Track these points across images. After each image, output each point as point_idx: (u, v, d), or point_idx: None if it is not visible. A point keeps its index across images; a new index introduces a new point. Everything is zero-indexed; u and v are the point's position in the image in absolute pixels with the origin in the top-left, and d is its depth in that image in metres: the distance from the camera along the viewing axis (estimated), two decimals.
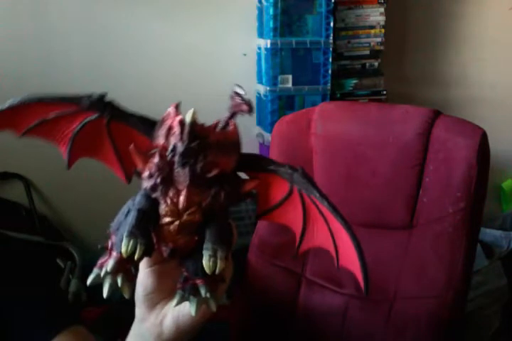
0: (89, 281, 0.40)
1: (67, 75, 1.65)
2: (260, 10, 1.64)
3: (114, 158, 0.44)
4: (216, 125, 0.39)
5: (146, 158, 0.39)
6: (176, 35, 1.70)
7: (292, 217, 0.44)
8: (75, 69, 1.66)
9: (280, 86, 1.58)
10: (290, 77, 1.59)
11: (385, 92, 1.71)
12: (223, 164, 0.38)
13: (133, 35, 1.68)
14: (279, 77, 1.58)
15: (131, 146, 0.39)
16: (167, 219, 0.39)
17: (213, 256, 0.38)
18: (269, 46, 1.54)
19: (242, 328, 1.16)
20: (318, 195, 0.40)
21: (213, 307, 0.41)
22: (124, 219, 0.40)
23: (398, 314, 1.02)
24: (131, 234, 0.38)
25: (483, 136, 0.98)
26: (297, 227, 0.44)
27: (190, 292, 0.41)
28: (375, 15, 1.67)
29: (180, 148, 0.37)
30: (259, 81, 1.69)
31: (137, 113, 0.42)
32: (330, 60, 1.59)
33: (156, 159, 0.38)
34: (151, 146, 0.39)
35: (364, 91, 1.71)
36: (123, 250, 0.37)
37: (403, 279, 1.04)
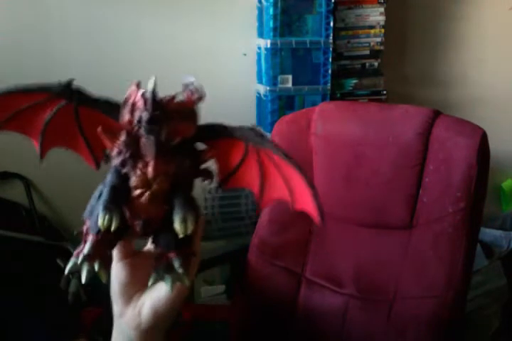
0: (67, 270, 0.44)
1: (66, 73, 1.64)
2: (260, 10, 1.64)
3: (83, 144, 0.46)
4: (174, 97, 0.41)
5: (114, 137, 0.42)
6: (175, 35, 1.70)
7: (250, 177, 0.47)
8: (74, 68, 1.65)
9: (280, 86, 1.58)
10: (290, 77, 1.59)
11: (385, 92, 1.71)
12: (184, 131, 0.41)
13: (132, 34, 1.67)
14: (279, 77, 1.58)
15: (99, 128, 0.42)
16: (138, 191, 0.42)
17: (183, 219, 0.41)
18: (269, 46, 1.54)
19: (242, 328, 1.16)
20: (272, 146, 0.44)
21: (187, 282, 0.44)
22: (97, 202, 0.42)
23: (398, 314, 1.02)
24: (107, 208, 0.40)
25: (483, 136, 0.98)
26: (255, 186, 0.47)
27: (164, 270, 0.43)
28: (375, 15, 1.67)
29: (145, 117, 0.39)
30: (259, 81, 1.69)
31: (103, 97, 0.44)
32: (330, 59, 1.59)
33: (123, 136, 0.41)
34: (118, 127, 0.42)
35: (364, 91, 1.71)
36: (99, 222, 0.40)
37: (403, 279, 1.04)
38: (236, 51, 1.75)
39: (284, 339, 1.13)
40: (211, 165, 0.46)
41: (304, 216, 1.24)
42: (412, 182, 1.04)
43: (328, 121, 1.14)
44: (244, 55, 1.75)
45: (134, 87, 0.41)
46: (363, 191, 1.10)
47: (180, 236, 0.41)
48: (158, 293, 0.45)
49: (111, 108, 0.43)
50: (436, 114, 1.04)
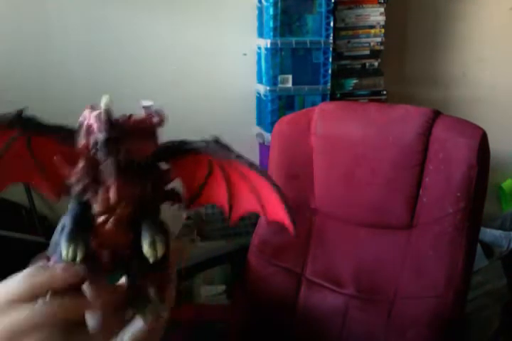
0: None
1: (66, 74, 1.65)
2: (260, 10, 1.64)
3: (41, 177, 0.44)
4: (130, 116, 0.39)
5: (72, 165, 0.39)
6: (175, 35, 1.70)
7: (217, 193, 0.46)
8: (74, 68, 1.66)
9: (280, 86, 1.58)
10: (290, 76, 1.59)
11: (385, 92, 1.71)
12: (144, 150, 0.39)
13: (133, 35, 1.68)
14: (279, 77, 1.58)
15: (55, 157, 0.40)
16: (102, 218, 0.40)
17: (151, 242, 0.39)
18: (269, 46, 1.54)
19: (242, 328, 1.16)
20: (235, 156, 0.42)
21: (164, 313, 0.42)
22: (60, 235, 0.40)
23: (398, 314, 1.02)
24: (70, 239, 0.38)
25: (483, 136, 0.98)
26: (224, 201, 0.46)
27: (139, 302, 0.41)
28: (375, 15, 1.67)
29: (101, 138, 0.37)
30: (259, 81, 1.69)
31: (56, 124, 0.41)
32: (330, 59, 1.59)
33: (81, 162, 0.39)
34: (75, 154, 0.40)
35: (364, 91, 1.71)
36: (63, 254, 0.38)
37: (403, 279, 1.04)
38: (236, 51, 1.75)
39: (284, 339, 1.13)
40: (176, 185, 0.44)
41: (303, 216, 1.23)
42: (412, 182, 1.04)
43: (328, 121, 1.14)
44: (245, 55, 1.75)
45: (87, 111, 0.39)
46: (363, 191, 1.09)
47: (151, 260, 0.39)
48: (136, 326, 0.42)
49: (66, 135, 0.40)
50: (436, 114, 1.04)
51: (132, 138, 0.38)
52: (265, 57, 1.58)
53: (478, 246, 1.59)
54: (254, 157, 1.81)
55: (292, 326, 1.12)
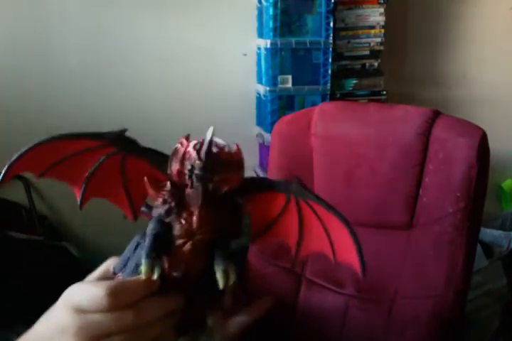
0: None
1: (66, 75, 1.65)
2: (260, 10, 1.64)
3: (123, 195, 0.46)
4: (223, 147, 0.41)
5: (159, 187, 0.42)
6: (175, 35, 1.70)
7: (287, 230, 0.47)
8: (74, 69, 1.66)
9: (280, 86, 1.59)
10: (290, 77, 1.59)
11: (384, 92, 1.71)
12: (232, 182, 0.41)
13: (132, 35, 1.68)
14: (279, 77, 1.58)
15: (145, 178, 0.42)
16: (181, 241, 0.41)
17: (225, 270, 0.42)
18: (268, 46, 1.54)
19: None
20: (314, 197, 0.44)
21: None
22: (133, 253, 0.42)
23: (398, 314, 1.02)
24: (150, 256, 0.40)
25: (483, 136, 0.98)
26: (293, 238, 0.47)
27: (197, 330, 0.44)
28: (375, 16, 1.67)
29: (198, 165, 0.39)
30: (259, 81, 1.69)
31: (152, 148, 0.44)
32: (330, 60, 1.59)
33: (168, 185, 0.42)
34: (163, 178, 0.42)
35: (364, 92, 1.71)
36: (143, 270, 0.39)
37: (403, 279, 1.04)
38: (236, 51, 1.75)
39: (284, 339, 1.13)
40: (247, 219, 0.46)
41: None
42: (412, 182, 1.04)
43: (328, 122, 1.14)
44: (244, 55, 1.75)
45: (183, 140, 0.41)
46: (363, 191, 1.09)
47: (221, 286, 0.41)
48: None
49: (158, 159, 0.43)
50: (436, 114, 1.04)
51: (224, 169, 0.40)
52: (265, 57, 1.58)
53: (478, 246, 1.59)
54: (254, 157, 1.81)
55: (292, 326, 1.12)
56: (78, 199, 0.45)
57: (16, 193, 1.65)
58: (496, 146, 1.06)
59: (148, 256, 0.40)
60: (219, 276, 0.41)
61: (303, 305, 1.12)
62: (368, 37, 1.69)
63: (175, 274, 0.42)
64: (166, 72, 1.72)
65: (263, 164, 1.73)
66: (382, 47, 1.71)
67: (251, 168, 1.82)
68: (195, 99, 1.73)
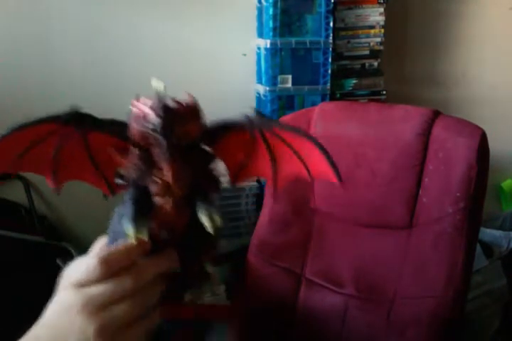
0: None
1: (66, 75, 1.65)
2: (260, 10, 1.64)
3: (95, 173, 0.46)
4: (177, 99, 0.41)
5: (126, 154, 0.42)
6: (175, 35, 1.70)
7: (261, 165, 0.47)
8: (74, 69, 1.66)
9: (280, 86, 1.58)
10: (290, 77, 1.58)
11: (384, 92, 1.71)
12: (193, 132, 0.41)
13: (132, 35, 1.67)
14: (279, 77, 1.58)
15: (109, 148, 0.42)
16: (161, 199, 0.42)
17: (209, 214, 0.42)
18: (268, 46, 1.54)
19: (242, 328, 1.16)
20: (275, 122, 0.45)
21: (222, 291, 0.44)
22: (119, 225, 0.42)
23: (398, 314, 1.02)
24: (134, 220, 0.41)
25: (483, 136, 0.98)
26: (267, 172, 0.48)
27: (201, 280, 0.45)
28: (375, 15, 1.67)
29: (157, 122, 0.39)
30: (259, 81, 1.69)
31: (109, 119, 0.43)
32: (329, 59, 1.59)
33: (135, 150, 0.42)
34: (127, 145, 0.42)
35: (364, 91, 1.71)
36: (130, 233, 0.40)
37: (403, 279, 1.04)
38: (236, 51, 1.75)
39: (284, 339, 1.13)
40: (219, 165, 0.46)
41: (303, 216, 1.24)
42: (412, 182, 1.04)
43: (327, 121, 1.14)
44: (244, 55, 1.75)
45: (135, 101, 0.41)
46: (363, 191, 1.10)
47: (212, 231, 0.42)
48: None
49: (118, 128, 0.43)
50: (436, 114, 1.04)
51: (183, 120, 0.40)
52: (265, 57, 1.58)
53: (478, 246, 1.59)
54: None
55: (292, 326, 1.12)
56: (52, 185, 0.45)
57: (16, 193, 1.65)
58: (496, 146, 1.06)
59: (132, 220, 0.40)
60: (205, 221, 0.42)
61: (303, 305, 1.12)
62: (368, 37, 1.69)
63: (163, 234, 0.43)
64: (166, 72, 1.71)
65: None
66: (382, 47, 1.70)
67: None
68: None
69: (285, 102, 1.61)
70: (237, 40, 1.74)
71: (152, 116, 0.39)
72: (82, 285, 0.40)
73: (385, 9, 1.67)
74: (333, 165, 0.44)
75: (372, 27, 1.68)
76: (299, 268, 1.14)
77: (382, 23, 1.68)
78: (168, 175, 0.41)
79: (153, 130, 0.39)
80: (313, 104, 1.44)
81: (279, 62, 1.56)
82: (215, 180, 0.46)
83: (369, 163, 1.08)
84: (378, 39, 1.69)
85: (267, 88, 1.58)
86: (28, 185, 1.67)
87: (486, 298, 1.59)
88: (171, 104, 0.40)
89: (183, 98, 0.41)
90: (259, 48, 1.66)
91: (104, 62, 1.68)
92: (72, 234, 1.77)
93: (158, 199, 0.42)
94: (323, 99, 1.61)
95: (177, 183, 0.41)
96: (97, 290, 0.39)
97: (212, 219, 0.42)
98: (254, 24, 1.69)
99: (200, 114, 0.42)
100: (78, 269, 0.40)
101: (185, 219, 0.43)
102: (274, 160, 0.47)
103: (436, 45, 1.95)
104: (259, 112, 0.45)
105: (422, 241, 1.03)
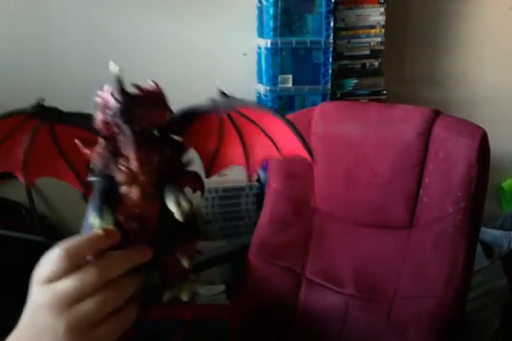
0: None
1: (66, 75, 1.65)
2: (260, 10, 1.64)
3: (66, 168, 0.45)
4: (139, 85, 0.41)
5: (93, 145, 0.41)
6: (175, 35, 1.70)
7: (233, 150, 0.46)
8: (74, 69, 1.66)
9: (280, 86, 1.58)
10: (290, 76, 1.59)
11: (385, 92, 1.71)
12: (157, 118, 0.40)
13: (132, 35, 1.68)
14: (279, 77, 1.58)
15: (76, 140, 0.41)
16: (127, 188, 0.41)
17: (176, 201, 0.40)
18: (269, 46, 1.54)
19: (242, 328, 1.16)
20: (240, 101, 0.43)
21: (202, 290, 0.44)
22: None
23: (398, 314, 1.02)
24: (99, 209, 0.39)
25: (484, 136, 0.97)
26: (240, 156, 0.46)
27: (178, 279, 0.44)
28: (375, 15, 1.67)
29: (116, 107, 0.38)
30: (260, 81, 1.69)
31: (76, 111, 0.43)
32: (330, 59, 1.59)
33: (101, 140, 0.41)
34: (95, 137, 0.41)
35: (364, 91, 1.71)
36: (93, 222, 0.39)
37: (403, 279, 1.04)
38: (236, 51, 1.75)
39: (284, 339, 1.12)
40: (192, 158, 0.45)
41: (303, 215, 1.23)
42: (412, 182, 1.04)
43: (328, 121, 1.14)
44: (245, 55, 1.75)
45: (99, 91, 0.41)
46: (363, 191, 1.09)
47: (180, 218, 0.40)
48: None
49: (85, 120, 0.42)
50: (436, 113, 1.04)
51: (145, 106, 0.39)
52: (265, 57, 1.58)
53: (479, 246, 1.59)
54: None
55: (292, 326, 1.12)
56: (23, 181, 0.44)
57: (16, 193, 1.65)
58: (496, 146, 1.06)
59: (96, 209, 0.39)
60: (172, 208, 0.40)
61: (303, 305, 1.12)
62: (368, 37, 1.69)
63: (133, 225, 0.42)
64: (166, 72, 1.72)
65: (263, 164, 1.73)
66: (382, 47, 1.71)
67: None
68: (195, 98, 1.73)
69: (285, 102, 1.61)
70: (237, 40, 1.74)
71: (112, 101, 0.39)
72: (50, 280, 0.38)
73: (385, 9, 1.67)
74: (302, 139, 0.42)
75: (372, 27, 1.68)
76: (300, 267, 1.14)
77: (382, 22, 1.68)
78: (133, 162, 0.40)
79: (114, 116, 0.38)
80: (314, 104, 1.44)
81: (279, 61, 1.56)
82: (190, 174, 0.45)
83: (369, 163, 1.08)
84: (379, 39, 1.69)
85: (268, 88, 1.58)
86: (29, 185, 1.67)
87: (486, 297, 1.59)
88: (132, 89, 0.39)
89: (149, 85, 0.41)
90: (259, 48, 1.66)
91: (104, 62, 1.68)
92: (72, 234, 1.77)
93: (124, 189, 0.41)
94: (323, 99, 1.61)
95: (143, 170, 0.40)
96: (64, 285, 0.38)
97: (179, 205, 0.40)
98: (255, 24, 1.69)
99: (164, 101, 0.41)
100: (44, 264, 0.39)
101: (156, 209, 0.42)
102: (244, 143, 0.45)
103: (436, 45, 1.96)
104: (223, 93, 0.44)
105: (423, 241, 1.03)
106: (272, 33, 1.53)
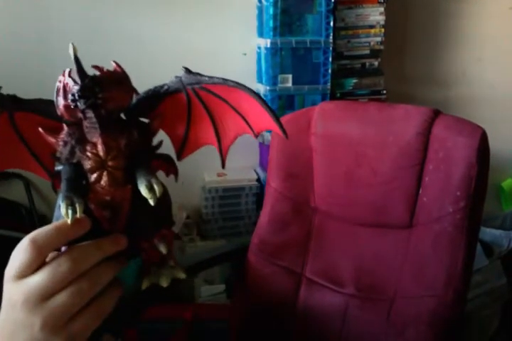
0: None
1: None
2: (260, 9, 1.64)
3: (31, 158, 0.43)
4: (100, 67, 0.40)
5: (57, 133, 0.40)
6: (175, 35, 1.70)
7: (203, 130, 0.44)
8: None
9: (280, 85, 1.59)
10: (290, 76, 1.59)
11: (384, 92, 1.71)
12: (119, 99, 0.39)
13: (132, 35, 1.68)
14: (279, 77, 1.58)
15: (39, 128, 0.40)
16: (95, 175, 0.39)
17: (148, 185, 0.38)
18: (269, 46, 1.54)
19: (242, 328, 1.17)
20: (206, 77, 0.42)
21: (182, 275, 0.44)
22: (58, 209, 0.40)
23: (398, 313, 1.02)
24: (67, 197, 0.38)
25: (483, 136, 0.97)
26: (211, 135, 0.45)
27: (157, 265, 0.43)
28: (375, 15, 1.67)
29: (77, 90, 0.37)
30: (259, 80, 1.69)
31: (36, 98, 0.41)
32: (330, 59, 1.59)
33: (64, 127, 0.39)
34: (58, 124, 0.40)
35: (364, 91, 1.71)
36: (63, 212, 0.37)
37: (403, 278, 1.04)
38: (236, 51, 1.75)
39: (283, 339, 1.13)
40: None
41: (303, 215, 1.23)
42: (412, 182, 1.04)
43: (328, 121, 1.14)
44: (244, 54, 1.75)
45: (60, 75, 0.39)
46: (363, 190, 1.10)
47: (152, 202, 0.38)
48: None
49: (46, 107, 0.40)
50: (436, 113, 1.04)
51: (106, 87, 0.38)
52: (265, 56, 1.58)
53: (478, 246, 1.59)
54: (255, 157, 1.81)
55: (292, 325, 1.12)
56: None
57: (16, 193, 1.65)
58: (496, 146, 1.06)
59: (63, 197, 0.38)
60: (144, 192, 0.38)
61: (303, 305, 1.12)
62: (368, 36, 1.69)
63: (105, 213, 0.40)
64: (166, 72, 1.71)
65: (263, 163, 1.73)
66: (382, 47, 1.71)
67: (251, 168, 1.82)
68: None
69: (285, 102, 1.61)
70: (237, 40, 1.74)
71: (71, 83, 0.37)
72: (20, 276, 0.37)
73: (385, 9, 1.67)
74: (272, 113, 0.40)
75: (372, 26, 1.68)
76: (299, 267, 1.14)
77: (382, 22, 1.68)
78: (98, 147, 0.38)
79: (75, 99, 0.37)
80: (314, 104, 1.44)
81: (279, 61, 1.56)
82: (162, 156, 0.43)
83: (369, 163, 1.08)
84: (378, 38, 1.69)
85: (268, 87, 1.58)
86: (28, 185, 1.67)
87: (486, 297, 1.59)
88: (92, 70, 0.38)
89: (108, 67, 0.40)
90: (259, 48, 1.66)
91: (104, 62, 1.68)
92: None
93: (92, 176, 0.39)
94: (323, 99, 1.61)
95: (110, 155, 0.39)
96: (35, 280, 0.37)
97: (151, 189, 0.38)
98: (255, 24, 1.69)
99: (128, 81, 0.40)
100: (15, 258, 0.38)
101: (127, 195, 0.40)
102: (214, 121, 0.44)
103: (436, 45, 1.96)
104: (188, 70, 0.42)
105: (422, 240, 1.03)
106: (271, 33, 1.54)
